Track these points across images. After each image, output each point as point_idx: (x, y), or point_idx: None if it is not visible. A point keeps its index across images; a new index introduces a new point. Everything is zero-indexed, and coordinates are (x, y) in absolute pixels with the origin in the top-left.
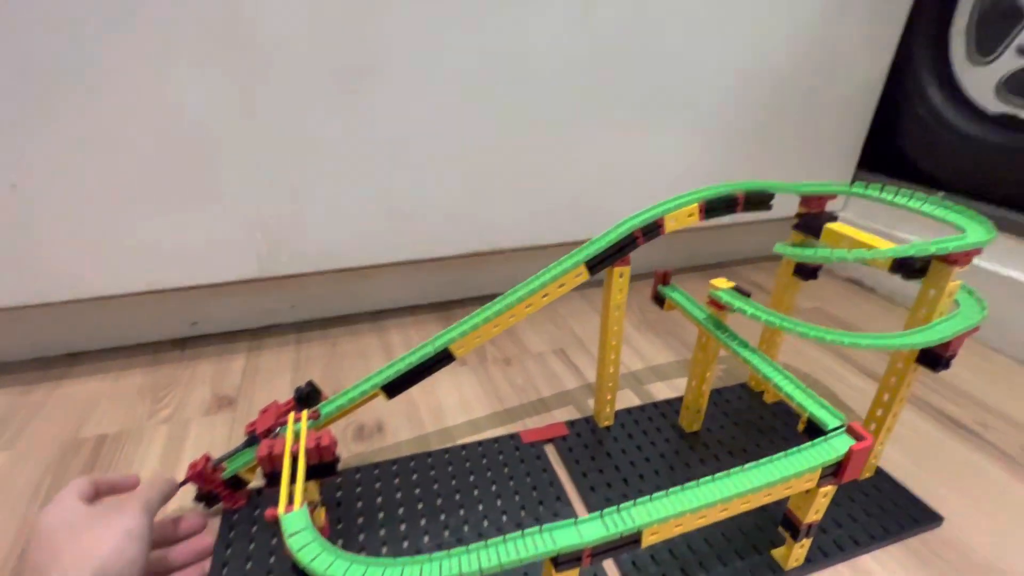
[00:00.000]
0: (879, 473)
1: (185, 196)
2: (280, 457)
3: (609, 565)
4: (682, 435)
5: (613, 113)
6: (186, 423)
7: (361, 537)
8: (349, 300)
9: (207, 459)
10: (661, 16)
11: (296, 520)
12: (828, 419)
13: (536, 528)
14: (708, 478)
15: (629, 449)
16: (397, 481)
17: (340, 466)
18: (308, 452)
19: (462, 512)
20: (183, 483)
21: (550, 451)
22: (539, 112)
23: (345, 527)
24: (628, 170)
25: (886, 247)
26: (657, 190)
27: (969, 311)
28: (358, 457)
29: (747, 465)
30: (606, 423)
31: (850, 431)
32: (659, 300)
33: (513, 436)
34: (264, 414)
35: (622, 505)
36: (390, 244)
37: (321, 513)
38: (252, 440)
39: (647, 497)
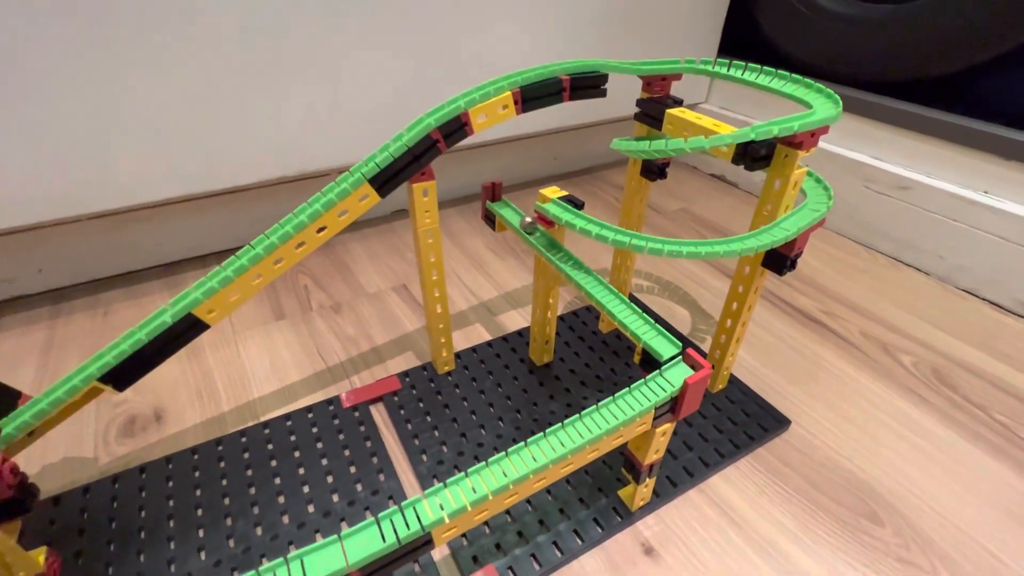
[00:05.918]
0: (732, 382)
1: None
2: None
3: None
4: (532, 370)
5: None
6: None
7: (110, 571)
8: (128, 253)
9: None
10: None
11: None
12: (664, 349)
13: (280, 559)
14: (521, 444)
15: (471, 396)
16: (171, 484)
17: (94, 475)
18: None
19: (256, 510)
20: None
21: (378, 412)
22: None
23: (86, 562)
24: (471, 63)
25: (729, 132)
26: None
27: (815, 201)
28: (122, 461)
29: (568, 419)
30: (446, 368)
31: (687, 360)
32: (490, 219)
33: (331, 401)
34: None
35: (404, 503)
36: (165, 177)
37: (38, 556)
38: None
39: (439, 485)
